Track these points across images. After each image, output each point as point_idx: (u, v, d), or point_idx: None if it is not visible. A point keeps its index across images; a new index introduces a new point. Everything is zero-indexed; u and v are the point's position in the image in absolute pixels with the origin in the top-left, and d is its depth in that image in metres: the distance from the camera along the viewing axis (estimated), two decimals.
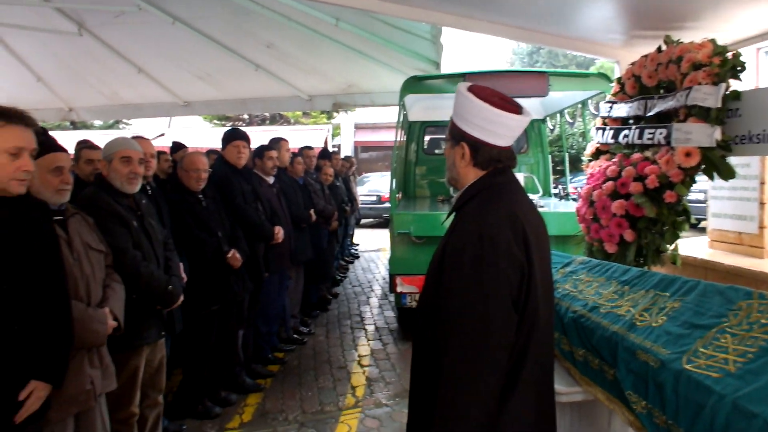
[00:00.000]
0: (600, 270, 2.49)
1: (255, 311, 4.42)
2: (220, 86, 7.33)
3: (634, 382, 1.80)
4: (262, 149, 4.61)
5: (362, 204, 12.32)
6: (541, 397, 1.61)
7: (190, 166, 3.61)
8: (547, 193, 7.07)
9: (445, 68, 5.84)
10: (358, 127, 21.78)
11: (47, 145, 2.35)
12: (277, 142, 5.01)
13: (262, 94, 7.57)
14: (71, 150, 2.90)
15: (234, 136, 4.12)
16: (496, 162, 1.63)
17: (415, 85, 5.15)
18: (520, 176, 6.36)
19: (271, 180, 4.68)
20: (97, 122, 15.25)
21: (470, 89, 1.61)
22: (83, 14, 5.76)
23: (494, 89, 1.63)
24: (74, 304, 2.21)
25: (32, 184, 2.27)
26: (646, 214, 2.93)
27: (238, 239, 3.82)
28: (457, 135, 1.66)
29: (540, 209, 4.80)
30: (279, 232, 4.27)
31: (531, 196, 6.46)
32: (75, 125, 13.26)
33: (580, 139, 18.85)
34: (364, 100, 7.28)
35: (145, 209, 3.02)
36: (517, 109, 1.61)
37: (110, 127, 17.49)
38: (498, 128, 1.59)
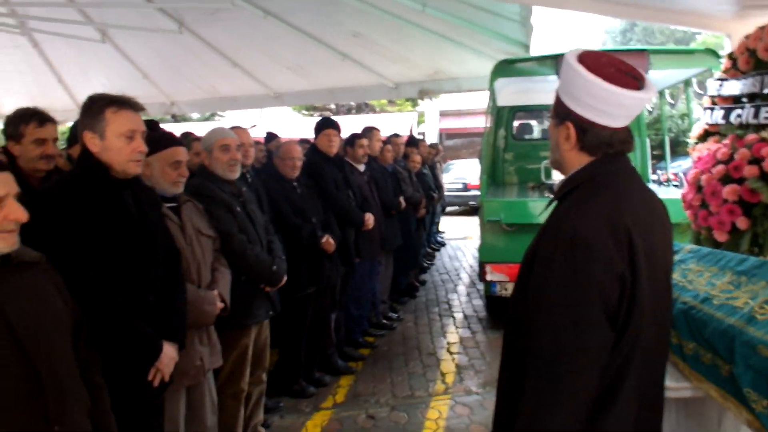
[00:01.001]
0: (712, 259, 2.34)
1: (346, 295, 4.54)
2: (309, 77, 7.50)
3: (754, 379, 1.68)
4: (354, 137, 4.70)
5: (448, 191, 12.24)
6: (642, 412, 1.41)
7: (286, 154, 3.75)
8: (645, 179, 6.71)
9: (535, 51, 5.65)
10: (443, 114, 21.60)
11: (168, 140, 2.52)
12: (369, 131, 5.09)
13: (349, 84, 7.66)
14: None
15: (326, 125, 4.23)
16: (606, 146, 1.40)
17: (506, 68, 5.03)
18: None
19: (362, 168, 4.77)
20: (195, 115, 16.15)
21: (580, 59, 1.36)
22: (183, 13, 6.07)
23: (611, 56, 1.39)
24: (187, 286, 2.38)
25: (151, 175, 2.45)
26: (762, 200, 2.71)
27: (331, 225, 3.93)
28: (561, 113, 1.43)
29: None
30: (369, 218, 4.35)
31: None
32: (175, 118, 14.10)
33: (680, 121, 17.70)
34: (451, 86, 7.18)
35: (246, 196, 3.17)
36: (637, 83, 1.35)
37: (207, 119, 18.47)
38: (611, 107, 1.35)
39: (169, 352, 2.10)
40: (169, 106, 8.65)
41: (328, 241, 3.77)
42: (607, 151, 1.42)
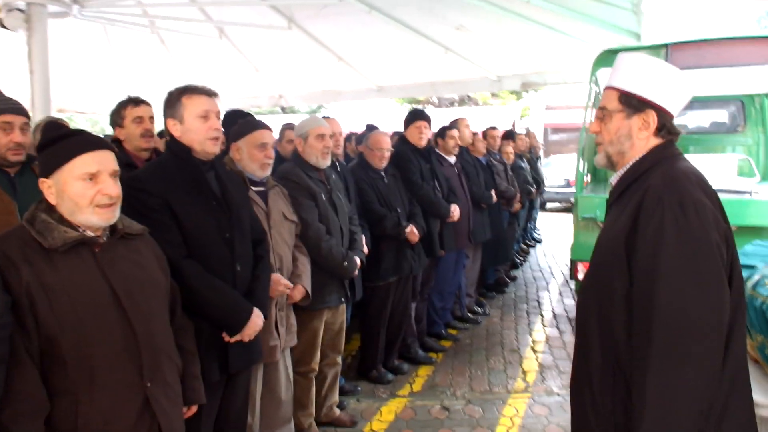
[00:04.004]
0: None
1: (430, 286, 4.56)
2: (411, 70, 7.58)
3: None
4: (444, 129, 4.70)
5: (549, 187, 11.76)
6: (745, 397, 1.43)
7: (375, 144, 3.83)
8: (766, 179, 6.07)
9: (647, 40, 5.30)
10: (550, 107, 20.85)
11: (253, 124, 2.70)
12: (455, 121, 5.05)
13: (451, 77, 7.65)
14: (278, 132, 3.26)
15: (415, 117, 4.27)
16: (673, 133, 1.54)
17: (609, 58, 4.75)
18: (734, 158, 5.56)
19: (452, 159, 4.75)
20: (303, 107, 16.85)
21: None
22: (293, 9, 6.37)
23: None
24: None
25: (240, 158, 2.64)
26: None
27: (416, 216, 3.97)
28: (636, 103, 1.54)
29: (754, 196, 4.14)
30: (455, 210, 4.32)
31: (746, 180, 5.51)
32: (284, 110, 14.84)
33: None
34: (555, 78, 6.94)
35: (334, 184, 3.28)
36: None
37: (314, 112, 19.21)
38: (682, 94, 1.51)
39: (257, 319, 2.22)
40: (277, 98, 9.10)
41: (413, 231, 3.80)
42: (671, 138, 1.54)
